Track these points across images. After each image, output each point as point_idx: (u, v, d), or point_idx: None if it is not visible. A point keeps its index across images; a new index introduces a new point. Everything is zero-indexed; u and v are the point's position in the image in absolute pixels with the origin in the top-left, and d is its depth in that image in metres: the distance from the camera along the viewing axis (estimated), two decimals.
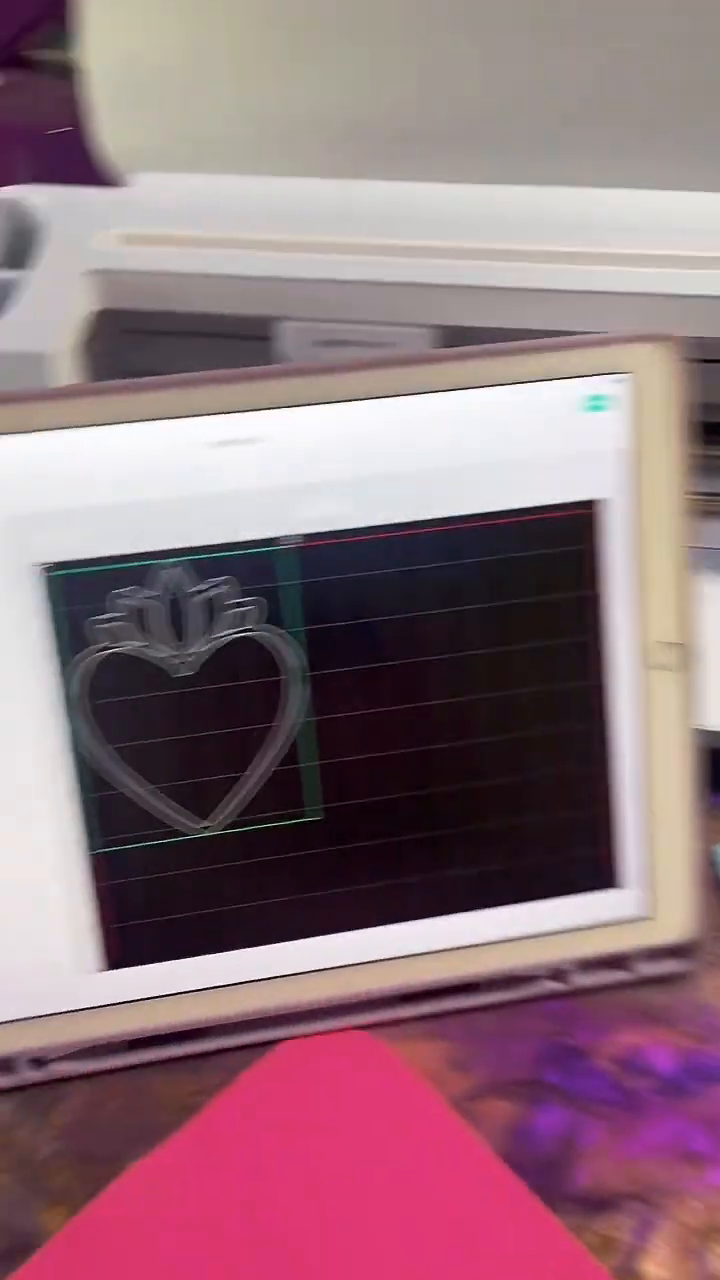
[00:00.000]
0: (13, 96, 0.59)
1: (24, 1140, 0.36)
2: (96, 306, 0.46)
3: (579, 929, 0.39)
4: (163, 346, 0.50)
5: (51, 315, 0.44)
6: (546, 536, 0.37)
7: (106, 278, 0.46)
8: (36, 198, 0.49)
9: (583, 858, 0.39)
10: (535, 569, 0.37)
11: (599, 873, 0.39)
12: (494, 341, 0.36)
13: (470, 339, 0.37)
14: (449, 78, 0.47)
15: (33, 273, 0.45)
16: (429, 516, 0.36)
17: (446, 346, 0.45)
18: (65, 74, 0.63)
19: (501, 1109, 0.36)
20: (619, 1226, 0.34)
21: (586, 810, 0.38)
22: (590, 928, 0.39)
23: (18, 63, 0.64)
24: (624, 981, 0.39)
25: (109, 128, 0.50)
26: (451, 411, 0.36)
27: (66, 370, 0.44)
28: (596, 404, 0.37)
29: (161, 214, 0.48)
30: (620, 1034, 0.38)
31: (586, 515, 0.37)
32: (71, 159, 0.57)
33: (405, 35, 0.47)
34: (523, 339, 0.36)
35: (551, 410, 0.36)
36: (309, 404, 0.35)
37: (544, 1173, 0.35)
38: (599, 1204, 0.34)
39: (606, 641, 0.38)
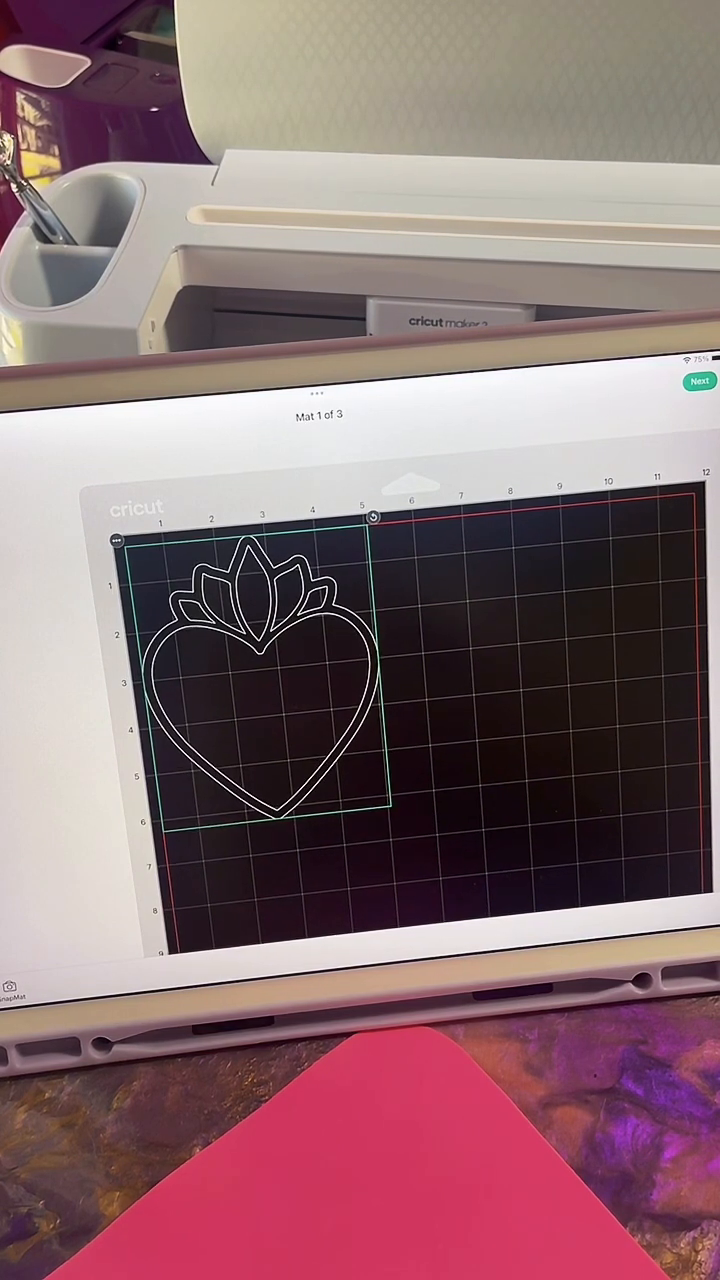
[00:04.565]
0: (110, 77, 0.59)
1: (87, 1122, 0.35)
2: (185, 283, 0.46)
3: (667, 932, 0.37)
4: (252, 324, 0.49)
5: (141, 291, 0.44)
6: (648, 519, 0.35)
7: (195, 254, 0.45)
8: (129, 175, 0.49)
9: (677, 858, 0.37)
10: (635, 553, 0.35)
11: (694, 874, 0.37)
12: None
13: (563, 318, 0.36)
14: (540, 53, 0.46)
15: (124, 249, 0.45)
16: (521, 496, 0.35)
17: None
18: (160, 54, 0.63)
19: (577, 1118, 0.35)
20: (699, 1248, 0.32)
21: (683, 808, 0.37)
22: (679, 931, 0.37)
23: (116, 44, 0.64)
24: (712, 991, 0.37)
25: (200, 106, 0.49)
26: (547, 388, 0.34)
27: (155, 347, 0.44)
28: (699, 382, 0.35)
29: (251, 191, 0.47)
30: (706, 1046, 0.36)
31: (691, 498, 0.35)
32: (165, 137, 0.57)
33: (494, 9, 0.46)
34: None
35: (653, 388, 0.35)
36: (395, 378, 0.34)
37: (620, 1188, 0.33)
38: (678, 1223, 0.32)
39: (711, 630, 0.36)
